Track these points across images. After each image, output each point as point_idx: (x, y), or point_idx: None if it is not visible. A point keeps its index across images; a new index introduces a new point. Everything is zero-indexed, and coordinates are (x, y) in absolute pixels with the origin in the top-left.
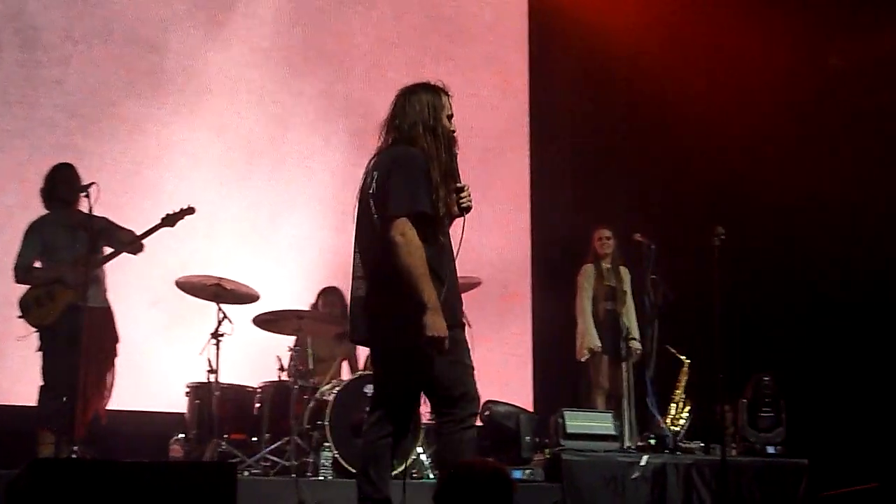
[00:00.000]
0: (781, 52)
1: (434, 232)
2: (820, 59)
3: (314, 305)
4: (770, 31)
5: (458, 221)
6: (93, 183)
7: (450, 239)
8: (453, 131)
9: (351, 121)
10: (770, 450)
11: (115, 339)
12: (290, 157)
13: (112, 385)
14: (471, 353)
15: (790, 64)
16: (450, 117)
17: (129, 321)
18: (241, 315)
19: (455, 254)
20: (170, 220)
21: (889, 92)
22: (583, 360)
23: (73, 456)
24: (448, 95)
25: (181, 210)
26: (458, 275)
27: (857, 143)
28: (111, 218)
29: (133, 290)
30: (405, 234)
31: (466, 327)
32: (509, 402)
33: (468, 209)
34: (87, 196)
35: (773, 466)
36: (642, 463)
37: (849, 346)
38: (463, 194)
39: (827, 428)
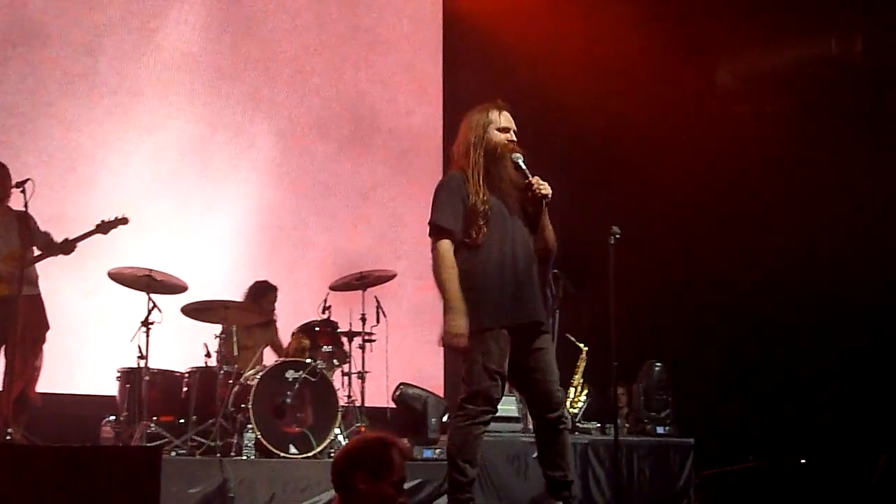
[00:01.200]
0: (675, 61)
1: (472, 234)
2: (709, 70)
3: (248, 296)
4: (666, 43)
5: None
6: (28, 179)
7: (497, 232)
8: (511, 140)
9: (276, 123)
10: (660, 430)
11: (45, 327)
12: (217, 157)
13: (39, 370)
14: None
15: (681, 73)
16: (504, 129)
17: (63, 310)
18: (171, 304)
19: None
20: (104, 228)
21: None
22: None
23: (8, 438)
24: (500, 110)
25: (116, 219)
26: (375, 267)
27: (746, 143)
28: (49, 212)
29: (67, 280)
30: (434, 248)
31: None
32: (421, 387)
33: (545, 196)
34: (24, 192)
35: (663, 445)
36: None
37: (734, 337)
38: (534, 187)
39: (712, 411)
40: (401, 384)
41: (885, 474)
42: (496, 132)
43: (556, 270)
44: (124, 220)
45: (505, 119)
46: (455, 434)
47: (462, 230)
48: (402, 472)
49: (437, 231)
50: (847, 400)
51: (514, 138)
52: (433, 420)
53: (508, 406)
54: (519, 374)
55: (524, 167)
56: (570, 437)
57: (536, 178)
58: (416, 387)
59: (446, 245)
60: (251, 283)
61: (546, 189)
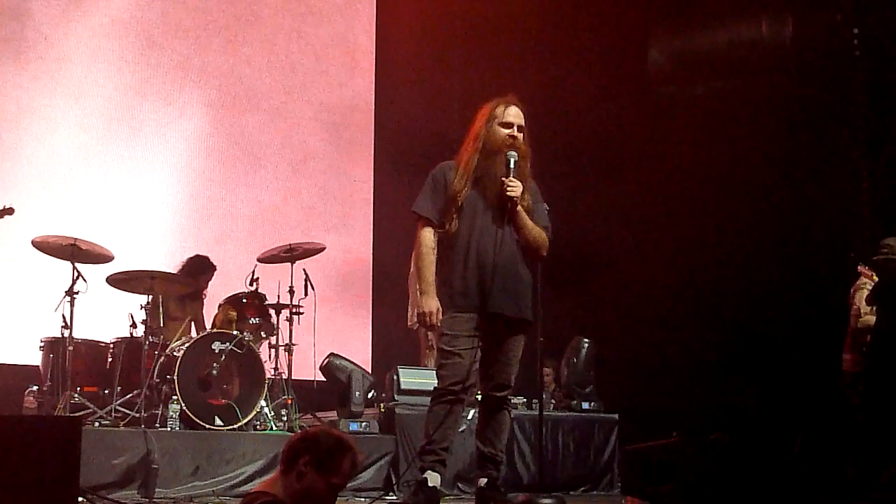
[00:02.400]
0: (604, 43)
1: (445, 224)
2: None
3: (185, 271)
4: (593, 28)
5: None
6: None
7: (479, 226)
8: (511, 136)
9: (205, 93)
10: (585, 405)
11: None
12: (146, 126)
13: None
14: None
15: (611, 55)
16: (508, 124)
17: None
18: (96, 274)
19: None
20: None
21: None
22: (414, 327)
23: None
24: (507, 105)
25: (2, 209)
26: (304, 240)
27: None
28: None
29: None
30: (417, 234)
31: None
32: (350, 359)
33: (511, 198)
34: None
35: (588, 421)
36: (469, 417)
37: (658, 315)
38: (505, 187)
39: (636, 387)
40: (331, 354)
41: (803, 449)
42: (498, 127)
43: None
44: (10, 211)
45: (510, 114)
46: (428, 410)
47: (439, 219)
48: (345, 480)
49: (416, 218)
50: (769, 379)
51: (517, 134)
52: (357, 393)
53: (431, 380)
54: (483, 355)
55: (511, 167)
56: (509, 421)
57: (510, 178)
58: (345, 359)
59: (426, 231)
60: (177, 253)
61: (511, 191)
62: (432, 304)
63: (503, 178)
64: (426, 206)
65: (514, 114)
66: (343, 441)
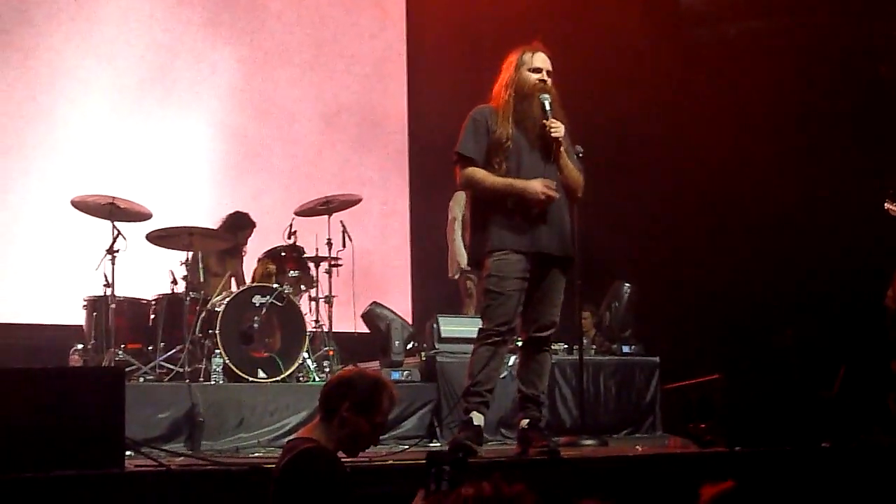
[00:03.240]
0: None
1: (494, 166)
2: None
3: (224, 227)
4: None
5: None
6: None
7: (527, 165)
8: (542, 80)
9: (237, 49)
10: (626, 349)
11: None
12: (179, 84)
13: None
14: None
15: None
16: (536, 69)
17: (27, 239)
18: (136, 232)
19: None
20: None
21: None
22: (454, 277)
23: None
24: (534, 51)
25: None
26: (340, 192)
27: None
28: (9, 142)
29: (29, 208)
30: (461, 175)
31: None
32: (391, 309)
33: (555, 138)
34: None
35: (628, 364)
36: (509, 363)
37: (696, 258)
38: (546, 128)
39: (676, 330)
40: (373, 302)
41: (845, 385)
42: (528, 73)
43: None
44: None
45: (538, 60)
46: (472, 351)
47: (485, 161)
48: (386, 417)
49: (460, 159)
50: (810, 316)
51: (546, 78)
52: (396, 343)
53: (475, 328)
54: (526, 297)
55: (547, 109)
56: (550, 361)
57: (551, 120)
58: (387, 308)
59: (473, 170)
60: (215, 209)
61: (556, 132)
62: (535, 184)
63: (544, 121)
64: (470, 147)
65: (542, 59)
66: (378, 380)
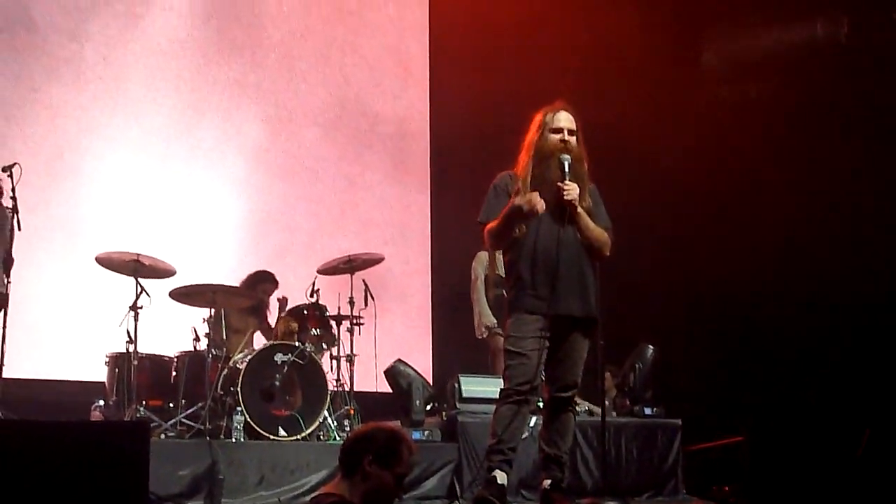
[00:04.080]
0: (659, 44)
1: (518, 231)
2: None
3: (246, 284)
4: (648, 28)
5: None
6: (15, 163)
7: (544, 229)
8: (562, 140)
9: (262, 108)
10: (647, 411)
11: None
12: (205, 143)
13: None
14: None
15: (666, 56)
16: (558, 130)
17: (51, 295)
18: (159, 289)
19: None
20: None
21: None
22: (482, 337)
23: None
24: (555, 111)
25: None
26: (363, 251)
27: (734, 131)
28: (36, 199)
29: (54, 266)
30: (485, 238)
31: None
32: (415, 368)
33: (569, 202)
34: (10, 176)
35: (651, 426)
36: (531, 424)
37: (718, 318)
38: (561, 191)
39: (698, 390)
40: (398, 360)
41: (870, 448)
42: (550, 133)
43: None
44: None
45: (561, 119)
46: (494, 411)
47: None
48: (408, 468)
49: (483, 228)
50: (832, 378)
51: (567, 138)
52: (417, 402)
53: (497, 387)
54: (548, 357)
55: (566, 170)
56: (574, 422)
57: (565, 182)
58: (410, 367)
59: (489, 225)
60: (238, 267)
61: (569, 195)
62: (517, 200)
63: (558, 183)
64: (489, 214)
65: (564, 118)
66: (396, 432)
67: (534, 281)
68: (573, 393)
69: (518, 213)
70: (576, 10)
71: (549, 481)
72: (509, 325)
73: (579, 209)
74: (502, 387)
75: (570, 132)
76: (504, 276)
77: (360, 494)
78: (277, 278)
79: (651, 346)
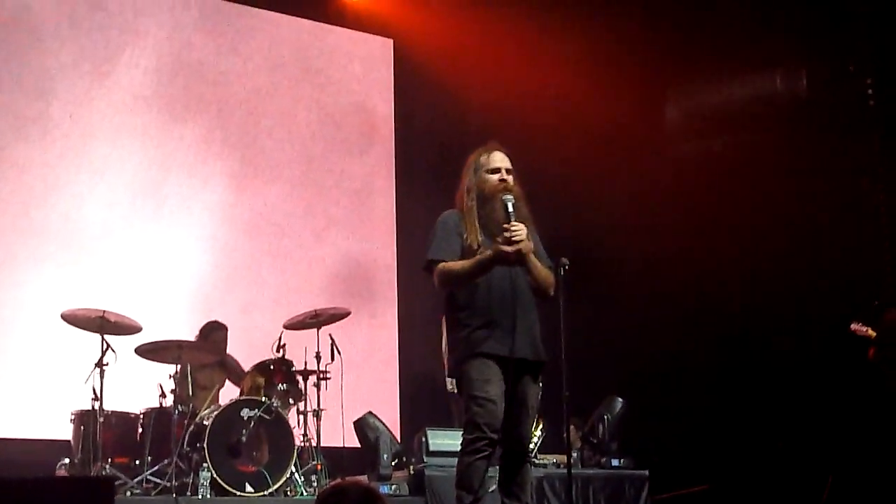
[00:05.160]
0: (623, 100)
1: None
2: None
3: (200, 337)
4: (613, 85)
5: None
6: None
7: (495, 271)
8: (501, 180)
9: (228, 164)
10: (615, 462)
11: None
12: (171, 198)
13: None
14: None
15: (630, 111)
16: (495, 170)
17: (15, 353)
18: (125, 345)
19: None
20: None
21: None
22: (453, 391)
23: None
24: (489, 152)
25: None
26: (329, 306)
27: (698, 180)
28: (1, 256)
29: (19, 322)
30: (435, 277)
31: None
32: (383, 422)
33: (517, 243)
34: None
35: (618, 478)
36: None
37: (683, 367)
38: (508, 234)
39: (664, 442)
40: (369, 412)
41: (833, 494)
42: (486, 175)
43: None
44: None
45: (495, 159)
46: (457, 463)
47: None
48: None
49: (433, 265)
50: (796, 424)
51: (506, 177)
52: (385, 456)
53: (455, 441)
54: (507, 400)
55: (510, 210)
56: (531, 471)
57: (512, 223)
58: (380, 420)
59: (443, 264)
60: (204, 323)
61: (518, 237)
62: (495, 246)
63: (504, 225)
64: (441, 252)
65: (499, 158)
66: (369, 488)
67: (492, 323)
68: (528, 445)
69: (500, 258)
70: (540, 64)
71: None
72: (470, 368)
73: (526, 250)
74: (467, 435)
75: (508, 171)
76: (453, 315)
77: None
78: (225, 325)
79: (620, 399)
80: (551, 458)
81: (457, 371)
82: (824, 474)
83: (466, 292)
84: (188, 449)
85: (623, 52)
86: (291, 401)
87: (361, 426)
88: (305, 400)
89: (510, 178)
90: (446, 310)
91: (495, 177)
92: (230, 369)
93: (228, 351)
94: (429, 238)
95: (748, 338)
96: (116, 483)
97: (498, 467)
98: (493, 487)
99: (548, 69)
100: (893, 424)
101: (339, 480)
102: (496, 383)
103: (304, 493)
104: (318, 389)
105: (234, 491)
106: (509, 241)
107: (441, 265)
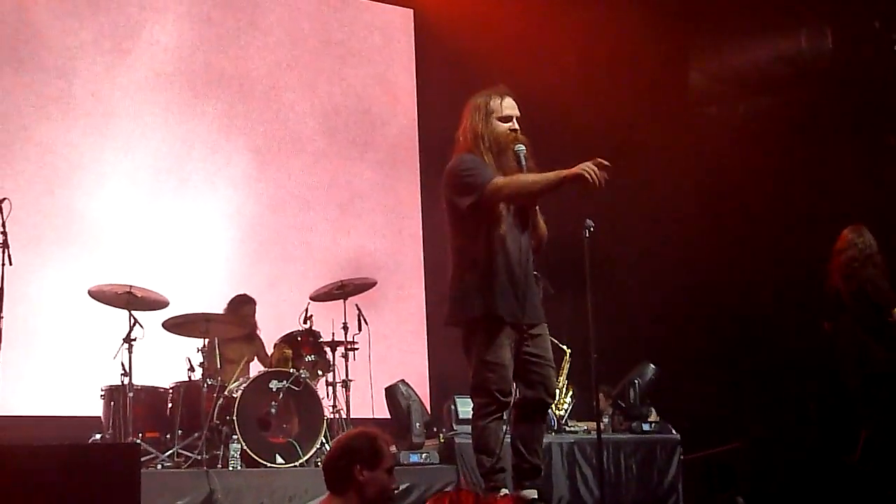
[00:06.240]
0: (647, 65)
1: (482, 226)
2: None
3: (228, 311)
4: (636, 51)
5: None
6: (4, 199)
7: (510, 231)
8: (513, 129)
9: (251, 139)
10: (646, 427)
11: None
12: (194, 175)
13: None
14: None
15: (655, 76)
16: (507, 118)
17: (44, 330)
18: (152, 320)
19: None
20: None
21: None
22: None
23: None
24: (501, 97)
25: None
26: (356, 276)
27: (728, 143)
28: (27, 236)
29: (47, 300)
30: (494, 192)
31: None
32: (415, 390)
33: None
34: (0, 212)
35: (649, 442)
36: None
37: (715, 331)
38: (600, 165)
39: (695, 406)
40: (401, 380)
41: (867, 450)
42: (498, 122)
43: (535, 273)
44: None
45: (507, 106)
46: (472, 429)
47: (485, 221)
48: (392, 458)
49: (485, 187)
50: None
51: (517, 126)
52: (417, 424)
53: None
54: (518, 359)
55: (522, 162)
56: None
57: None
58: (412, 388)
59: (496, 179)
60: (231, 296)
61: (602, 176)
62: (578, 168)
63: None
64: (488, 176)
65: (510, 105)
66: (369, 432)
67: (509, 286)
68: (554, 399)
69: (577, 181)
70: (563, 31)
71: (534, 492)
72: (482, 330)
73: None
74: (478, 399)
75: (517, 119)
76: (466, 268)
77: (359, 501)
78: (266, 302)
79: (652, 365)
80: (581, 425)
81: (466, 328)
82: (856, 431)
83: (486, 251)
84: (218, 422)
85: (645, 15)
86: (320, 372)
87: (393, 393)
88: (334, 371)
89: (518, 127)
90: (457, 259)
91: (507, 125)
92: (259, 345)
93: (258, 325)
94: (464, 172)
95: (782, 295)
96: (147, 457)
97: (513, 420)
98: None
99: (570, 35)
100: None
101: (336, 441)
102: (507, 347)
103: None
104: (346, 360)
105: (265, 462)
106: (596, 171)
107: (499, 179)
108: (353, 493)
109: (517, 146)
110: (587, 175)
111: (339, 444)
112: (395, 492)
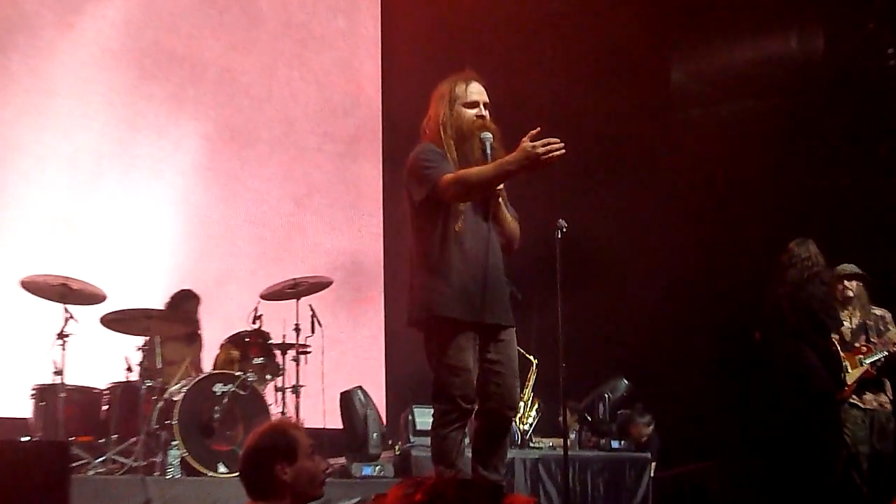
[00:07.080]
0: (629, 60)
1: (437, 221)
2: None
3: (169, 307)
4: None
5: None
6: None
7: (470, 227)
8: (479, 116)
9: (202, 124)
10: (615, 444)
11: None
12: (140, 160)
13: None
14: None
15: (636, 66)
16: (472, 104)
17: None
18: (89, 315)
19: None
20: None
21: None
22: None
23: None
24: (467, 82)
25: None
26: (311, 275)
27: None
28: None
29: None
30: (448, 186)
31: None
32: (372, 399)
33: (499, 191)
34: None
35: (618, 461)
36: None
37: (684, 344)
38: (550, 144)
39: (666, 421)
40: (359, 386)
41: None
42: (464, 109)
43: None
44: None
45: (473, 92)
46: (431, 438)
47: (441, 216)
48: (308, 439)
49: (439, 182)
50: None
51: (484, 113)
52: (374, 435)
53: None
54: (480, 366)
55: (488, 151)
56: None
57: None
58: (369, 397)
59: (452, 174)
60: (175, 292)
61: (557, 152)
62: (522, 151)
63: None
64: (445, 171)
65: (477, 90)
66: (279, 424)
67: (466, 285)
68: (517, 411)
69: (528, 164)
70: (539, 17)
71: None
72: (442, 332)
73: (501, 197)
74: (440, 406)
75: (485, 105)
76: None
77: (291, 498)
78: (199, 295)
79: (626, 381)
80: (547, 441)
81: (426, 330)
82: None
83: (440, 247)
84: (157, 426)
85: (629, 9)
86: (268, 376)
87: (349, 399)
88: (283, 375)
89: (487, 114)
90: (413, 255)
91: (472, 111)
92: (199, 346)
93: (201, 324)
94: (420, 164)
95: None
96: (79, 463)
97: (474, 433)
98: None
99: (546, 23)
100: None
101: (247, 442)
102: (469, 350)
103: None
104: (297, 364)
105: (205, 471)
106: (546, 152)
107: (450, 175)
108: (281, 494)
109: (483, 134)
110: (537, 156)
111: (250, 450)
112: (328, 472)
